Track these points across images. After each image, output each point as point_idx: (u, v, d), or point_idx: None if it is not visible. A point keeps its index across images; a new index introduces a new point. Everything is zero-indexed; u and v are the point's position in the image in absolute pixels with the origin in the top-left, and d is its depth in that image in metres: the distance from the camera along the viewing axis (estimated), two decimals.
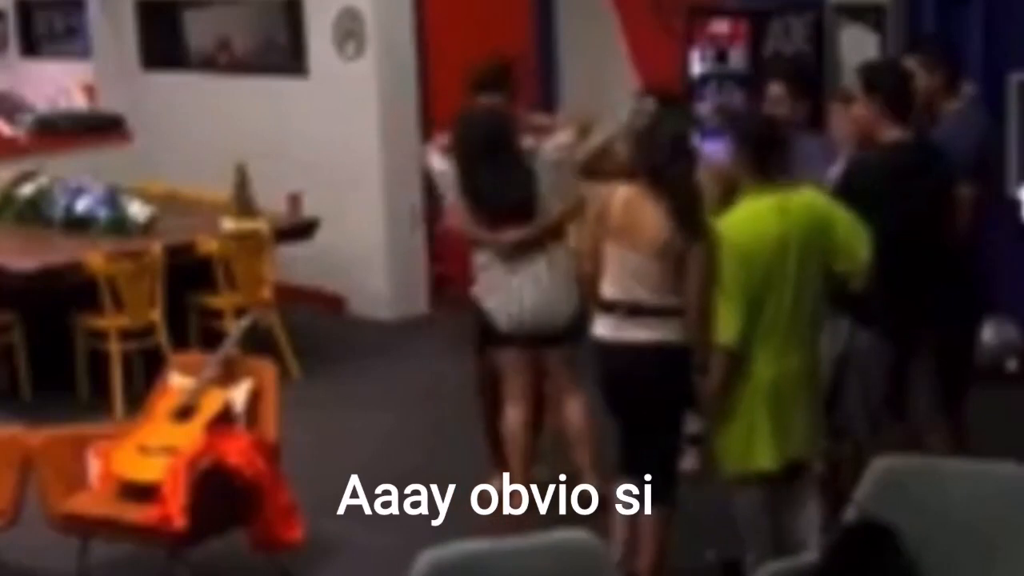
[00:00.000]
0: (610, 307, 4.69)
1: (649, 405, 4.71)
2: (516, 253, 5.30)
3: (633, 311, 4.62)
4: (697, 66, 7.88)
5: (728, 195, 4.77)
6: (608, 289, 4.70)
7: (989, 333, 7.00)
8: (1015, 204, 6.73)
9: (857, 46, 7.30)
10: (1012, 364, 7.05)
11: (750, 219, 4.57)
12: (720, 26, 7.82)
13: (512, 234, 5.29)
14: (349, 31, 8.71)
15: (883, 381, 5.11)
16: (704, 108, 7.58)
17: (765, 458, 4.61)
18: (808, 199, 4.65)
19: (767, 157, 4.64)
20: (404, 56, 8.73)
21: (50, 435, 5.12)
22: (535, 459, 5.63)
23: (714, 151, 5.09)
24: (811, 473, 4.82)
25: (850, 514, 3.67)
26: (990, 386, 6.33)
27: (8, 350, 7.43)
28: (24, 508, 5.00)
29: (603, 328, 4.73)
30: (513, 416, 5.48)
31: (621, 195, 4.65)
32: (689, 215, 4.54)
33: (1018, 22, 6.96)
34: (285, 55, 9.45)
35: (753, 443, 4.62)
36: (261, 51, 9.92)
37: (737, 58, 7.75)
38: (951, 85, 5.75)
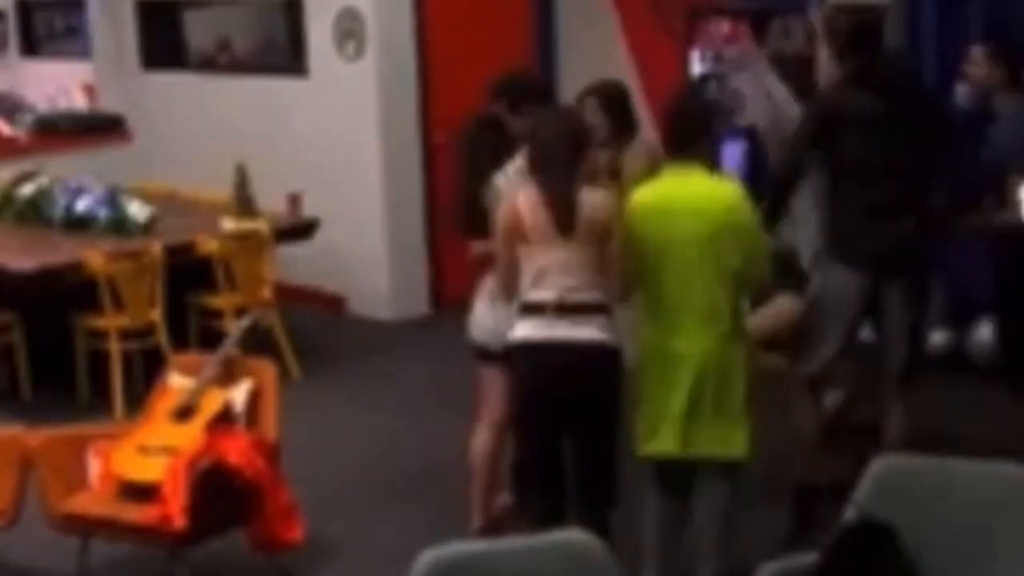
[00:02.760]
0: (537, 308, 4.46)
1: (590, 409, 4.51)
2: (477, 268, 5.13)
3: (561, 309, 4.43)
4: (697, 66, 7.88)
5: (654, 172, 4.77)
6: (531, 292, 4.48)
7: (986, 332, 7.01)
8: (1015, 204, 6.72)
9: None
10: None
11: (655, 194, 4.57)
12: (720, 26, 7.82)
13: (472, 248, 5.14)
14: (349, 31, 8.72)
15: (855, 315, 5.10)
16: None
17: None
18: (727, 192, 4.58)
19: (685, 134, 4.60)
20: (404, 56, 8.73)
21: (50, 435, 5.12)
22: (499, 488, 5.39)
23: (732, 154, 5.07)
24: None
25: (850, 514, 3.67)
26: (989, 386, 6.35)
27: (8, 350, 7.44)
28: (24, 508, 5.00)
29: (529, 329, 4.50)
30: (477, 439, 5.26)
31: (523, 199, 4.47)
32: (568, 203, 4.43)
33: (1018, 22, 6.96)
34: (285, 55, 9.45)
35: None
36: (261, 51, 9.92)
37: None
38: (1013, 80, 5.77)
